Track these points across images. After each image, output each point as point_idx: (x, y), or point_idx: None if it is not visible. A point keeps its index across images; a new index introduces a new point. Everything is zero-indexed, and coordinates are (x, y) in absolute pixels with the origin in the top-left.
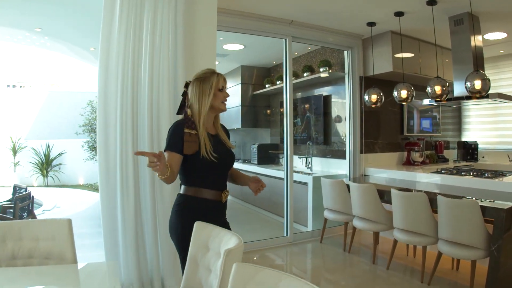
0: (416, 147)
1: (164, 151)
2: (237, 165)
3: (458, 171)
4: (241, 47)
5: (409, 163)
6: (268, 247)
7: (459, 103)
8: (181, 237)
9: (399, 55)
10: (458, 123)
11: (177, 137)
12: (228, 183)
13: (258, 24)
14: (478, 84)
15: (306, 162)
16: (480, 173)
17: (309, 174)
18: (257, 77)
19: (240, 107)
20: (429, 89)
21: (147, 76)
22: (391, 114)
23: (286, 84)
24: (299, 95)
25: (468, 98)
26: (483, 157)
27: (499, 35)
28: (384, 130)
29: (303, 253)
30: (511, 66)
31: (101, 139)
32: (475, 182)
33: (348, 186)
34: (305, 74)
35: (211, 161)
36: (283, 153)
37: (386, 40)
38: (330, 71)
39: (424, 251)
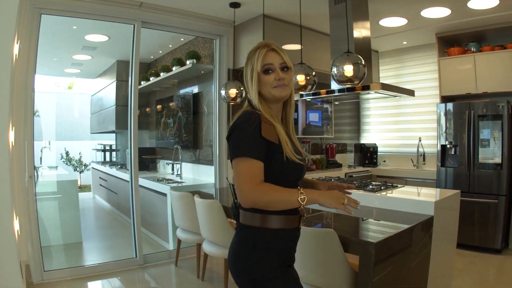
0: None
1: (232, 159)
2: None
3: (338, 181)
4: (104, 38)
5: None
6: (115, 270)
7: (337, 97)
8: None
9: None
10: (357, 123)
11: (252, 137)
12: None
13: (101, 7)
14: (349, 70)
15: (173, 169)
16: (364, 185)
17: (177, 182)
18: (140, 74)
19: (114, 107)
20: None
21: None
22: None
23: (131, 80)
24: (170, 92)
25: (346, 90)
26: (384, 161)
27: (398, 21)
28: None
29: (149, 280)
30: (416, 59)
31: None
32: (356, 197)
33: None
34: (174, 68)
35: (294, 167)
36: (160, 158)
37: (258, 26)
38: (198, 63)
39: None
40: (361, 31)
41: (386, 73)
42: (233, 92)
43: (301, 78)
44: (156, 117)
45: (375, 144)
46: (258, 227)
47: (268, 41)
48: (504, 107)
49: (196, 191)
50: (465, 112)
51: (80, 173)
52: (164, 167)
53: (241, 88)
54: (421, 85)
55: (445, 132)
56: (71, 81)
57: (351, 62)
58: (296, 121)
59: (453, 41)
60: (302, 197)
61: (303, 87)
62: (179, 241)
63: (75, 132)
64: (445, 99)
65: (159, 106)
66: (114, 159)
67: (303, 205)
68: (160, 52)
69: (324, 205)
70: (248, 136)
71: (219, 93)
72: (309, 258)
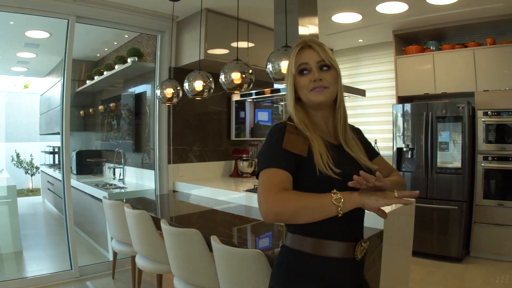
0: (244, 155)
1: (258, 172)
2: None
3: None
4: (46, 34)
5: (237, 175)
6: (49, 284)
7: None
8: None
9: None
10: None
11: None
12: None
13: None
14: (286, 67)
15: (114, 173)
16: None
17: (120, 188)
18: (86, 72)
19: (60, 107)
20: (222, 77)
21: None
22: (214, 114)
23: (63, 80)
24: (116, 92)
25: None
26: None
27: (352, 17)
28: (204, 133)
29: None
30: (372, 58)
31: None
32: None
33: None
34: (116, 67)
35: (329, 183)
36: (105, 161)
37: (202, 20)
38: (140, 61)
39: None
40: (308, 27)
41: (341, 73)
42: (169, 92)
43: (236, 76)
44: (101, 118)
45: None
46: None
47: (307, 37)
48: (464, 108)
49: (140, 198)
50: (423, 113)
51: (31, 175)
52: (110, 171)
53: (178, 88)
54: (378, 85)
55: (402, 134)
56: (28, 80)
57: (289, 57)
58: (243, 121)
59: (411, 39)
60: (336, 197)
61: (238, 86)
62: (115, 253)
63: (26, 133)
64: (402, 100)
65: (101, 107)
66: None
67: (341, 208)
68: (106, 49)
69: (370, 203)
70: (269, 149)
71: (155, 93)
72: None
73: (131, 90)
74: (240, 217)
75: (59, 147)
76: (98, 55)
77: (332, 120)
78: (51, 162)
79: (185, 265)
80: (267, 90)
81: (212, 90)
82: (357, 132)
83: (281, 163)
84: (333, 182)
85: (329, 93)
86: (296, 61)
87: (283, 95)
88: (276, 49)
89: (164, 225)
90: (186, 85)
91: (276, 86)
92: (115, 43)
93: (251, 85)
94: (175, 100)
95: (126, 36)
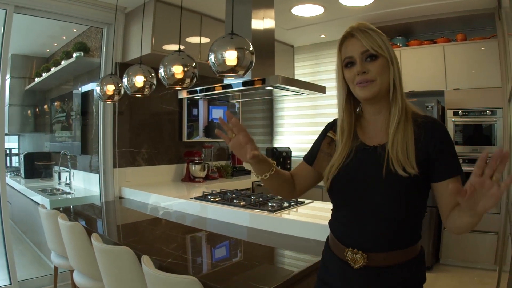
0: (197, 158)
1: None
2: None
3: (224, 196)
4: None
5: (189, 180)
6: None
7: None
8: None
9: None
10: (271, 125)
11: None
12: None
13: None
14: (232, 57)
15: (60, 178)
16: (262, 201)
17: (67, 193)
18: (37, 69)
19: (7, 107)
20: (162, 71)
21: None
22: (165, 113)
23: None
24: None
25: (243, 84)
26: None
27: (314, 10)
28: (154, 134)
29: None
30: (335, 56)
31: None
32: (246, 218)
33: None
34: (62, 62)
35: (332, 189)
36: (54, 164)
37: (150, 12)
38: (87, 56)
39: None
40: (263, 20)
41: (302, 70)
42: (110, 88)
43: (177, 70)
44: (50, 118)
45: (288, 148)
46: None
47: (354, 24)
48: (433, 108)
49: (86, 205)
50: None
51: None
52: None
53: (120, 84)
54: None
55: None
56: None
57: (234, 46)
58: (196, 118)
59: None
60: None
61: (180, 81)
62: (55, 266)
63: None
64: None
65: (45, 106)
66: (16, 164)
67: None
68: (56, 45)
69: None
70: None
71: (95, 90)
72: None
73: (79, 88)
74: (187, 229)
75: (10, 149)
76: (48, 51)
77: (388, 115)
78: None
79: (118, 286)
80: (218, 86)
81: (154, 86)
82: (432, 134)
83: (307, 155)
84: (333, 191)
85: (375, 86)
86: (341, 54)
87: (236, 91)
88: (220, 37)
89: (94, 240)
90: (125, 80)
91: (227, 81)
92: (64, 37)
93: (195, 80)
94: (116, 97)
95: (75, 30)
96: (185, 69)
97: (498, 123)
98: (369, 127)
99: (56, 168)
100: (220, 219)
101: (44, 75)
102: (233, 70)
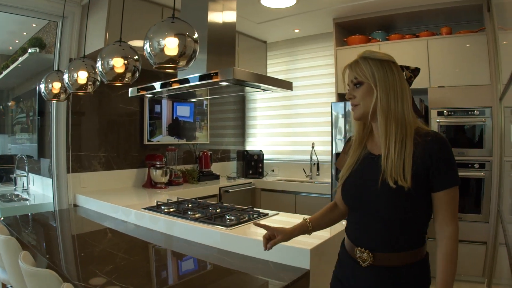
0: (158, 162)
1: None
2: None
3: (179, 207)
4: None
5: (150, 185)
6: None
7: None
8: None
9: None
10: (242, 126)
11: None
12: None
13: None
14: (172, 45)
15: (16, 183)
16: (217, 215)
17: (23, 200)
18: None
19: None
20: (99, 64)
21: None
22: (125, 114)
23: None
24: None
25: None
26: (273, 171)
27: (285, 0)
28: (112, 137)
29: None
30: (310, 52)
31: None
32: (198, 234)
33: None
34: (20, 59)
35: (342, 192)
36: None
37: (104, 3)
38: (43, 52)
39: None
40: (222, 12)
41: (276, 68)
42: (56, 86)
43: (117, 63)
44: (11, 119)
45: (260, 150)
46: None
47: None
48: (415, 107)
49: (41, 213)
50: None
51: None
52: (20, 180)
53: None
54: (317, 81)
55: (344, 137)
56: None
57: (174, 32)
58: (158, 116)
59: (355, 29)
60: None
61: (120, 76)
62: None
63: None
64: (343, 98)
65: (9, 105)
66: None
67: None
68: (17, 41)
69: None
70: None
71: (39, 88)
72: None
73: (37, 86)
74: (133, 245)
75: None
76: (11, 48)
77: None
78: None
79: None
80: (175, 81)
81: (98, 83)
82: (429, 147)
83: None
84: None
85: (359, 109)
86: (345, 76)
87: (193, 86)
88: (159, 21)
89: (20, 261)
90: (65, 77)
91: (183, 76)
92: (24, 33)
93: (137, 74)
94: (63, 96)
95: (34, 25)
96: (126, 61)
97: (487, 124)
98: (376, 138)
99: (17, 172)
100: (172, 234)
101: (4, 72)
102: (172, 60)
